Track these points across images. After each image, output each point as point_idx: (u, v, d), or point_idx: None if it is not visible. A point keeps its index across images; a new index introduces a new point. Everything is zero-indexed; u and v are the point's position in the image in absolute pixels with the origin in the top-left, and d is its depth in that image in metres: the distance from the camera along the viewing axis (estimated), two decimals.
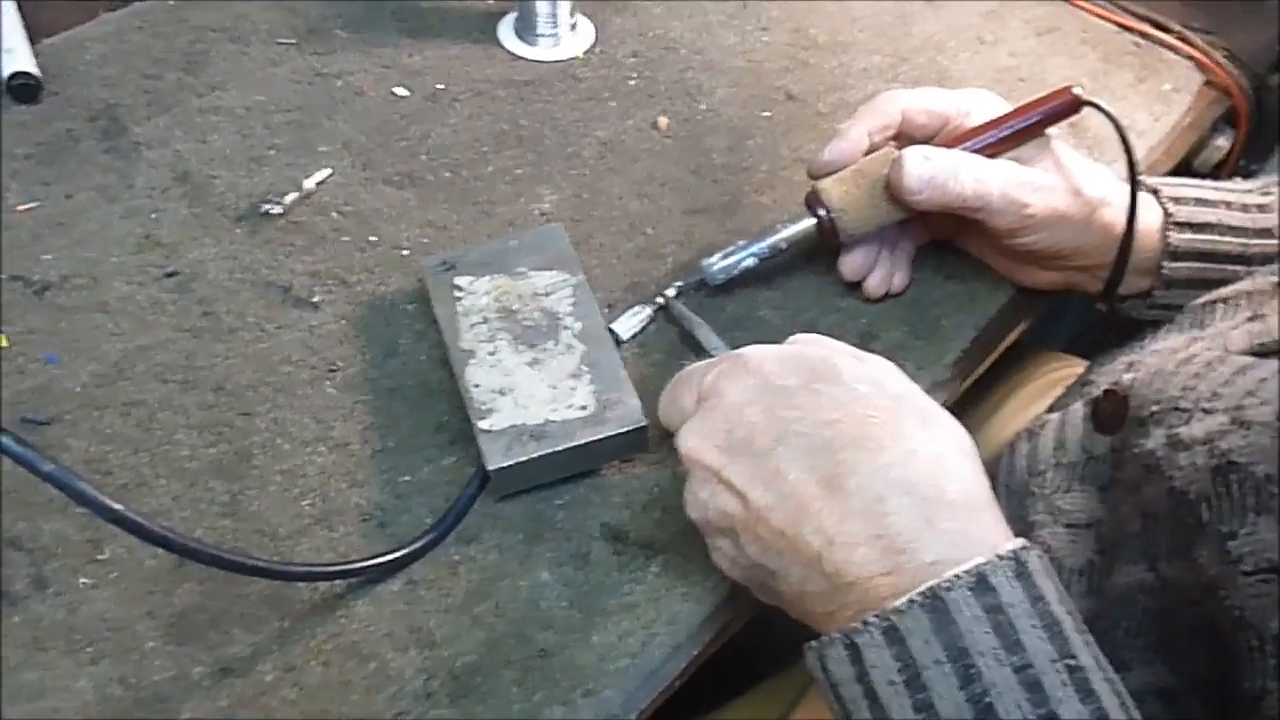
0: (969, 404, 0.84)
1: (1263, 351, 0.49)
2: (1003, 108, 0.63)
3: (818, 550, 0.42)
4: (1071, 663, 0.38)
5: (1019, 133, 0.61)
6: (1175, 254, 0.62)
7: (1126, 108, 0.80)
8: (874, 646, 0.39)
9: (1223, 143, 0.87)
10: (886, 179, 0.60)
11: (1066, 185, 0.61)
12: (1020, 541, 0.42)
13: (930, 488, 0.42)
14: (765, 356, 0.47)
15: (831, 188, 0.62)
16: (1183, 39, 0.86)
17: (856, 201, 0.61)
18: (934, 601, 0.39)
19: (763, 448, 0.44)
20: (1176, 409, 0.46)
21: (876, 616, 0.39)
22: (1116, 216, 0.61)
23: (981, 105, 0.63)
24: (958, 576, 0.39)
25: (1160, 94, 0.82)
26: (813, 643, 0.42)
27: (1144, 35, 0.86)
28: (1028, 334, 0.77)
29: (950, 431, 0.45)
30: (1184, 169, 0.85)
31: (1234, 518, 0.40)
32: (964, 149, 0.61)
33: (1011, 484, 0.61)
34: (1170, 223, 0.62)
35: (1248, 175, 0.96)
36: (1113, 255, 0.62)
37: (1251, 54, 0.87)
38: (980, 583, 0.39)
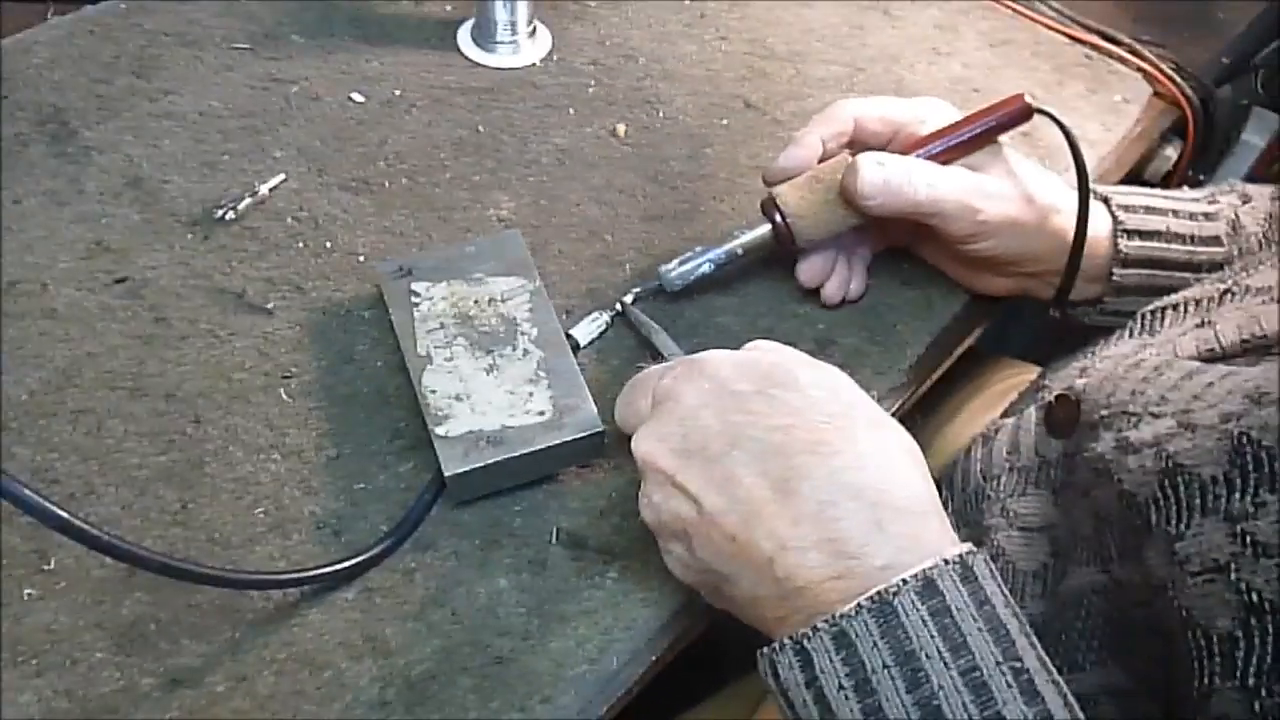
0: (925, 410, 0.85)
1: (1210, 357, 0.50)
2: (956, 116, 0.64)
3: (769, 555, 0.42)
4: (1016, 665, 0.38)
5: (972, 140, 0.62)
6: (1125, 261, 0.63)
7: (1078, 118, 0.81)
8: (823, 651, 0.40)
9: (1171, 153, 0.89)
10: (841, 185, 0.61)
11: (1019, 192, 0.61)
12: (966, 546, 0.42)
13: (880, 493, 0.42)
14: (721, 361, 0.48)
15: (788, 193, 0.62)
16: (1133, 51, 0.88)
17: (812, 207, 0.62)
18: (882, 606, 0.39)
19: (716, 452, 0.44)
20: (1126, 413, 0.47)
21: (825, 621, 0.40)
22: (1067, 223, 0.62)
23: (935, 113, 0.64)
24: (904, 581, 0.39)
25: (1111, 105, 0.84)
26: (763, 649, 0.42)
27: (1095, 48, 0.88)
28: (983, 341, 0.78)
29: (898, 438, 0.46)
30: (1134, 179, 0.87)
31: (1180, 519, 0.40)
32: (918, 155, 0.62)
33: (966, 487, 0.61)
34: (1120, 230, 0.63)
35: (1196, 185, 0.98)
36: (1064, 261, 0.63)
37: (1200, 67, 0.89)
38: (927, 587, 0.39)
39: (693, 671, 0.61)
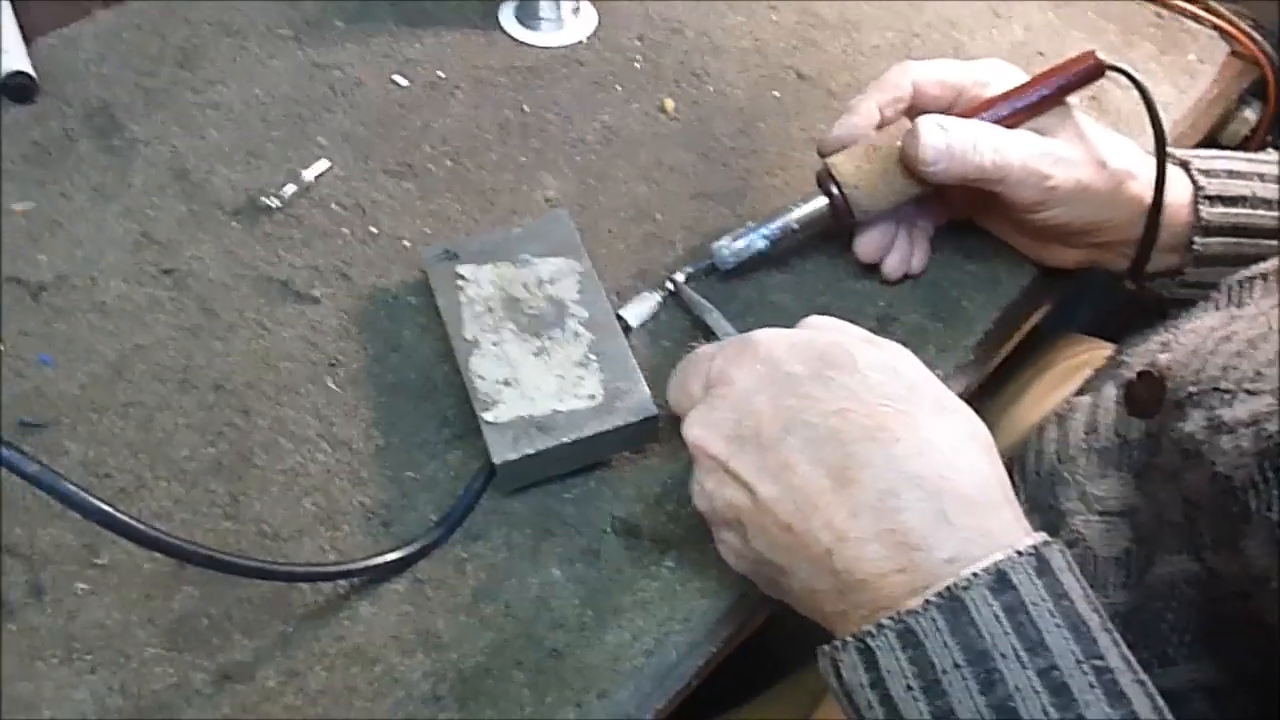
0: (990, 389, 0.81)
1: None
2: (1020, 78, 0.61)
3: (827, 546, 0.40)
4: (1099, 663, 0.36)
5: (1040, 102, 0.59)
6: (1207, 229, 0.59)
7: (1150, 81, 0.77)
8: (888, 650, 0.37)
9: (1250, 115, 0.84)
10: (900, 152, 0.58)
11: (1090, 157, 0.58)
12: (1041, 536, 0.39)
13: (946, 481, 0.40)
14: (775, 342, 0.45)
15: (843, 163, 0.60)
16: (1206, 8, 0.83)
17: (870, 176, 0.59)
18: (951, 601, 0.37)
19: (770, 438, 0.42)
20: (1218, 390, 0.43)
21: (890, 619, 0.37)
22: (1143, 190, 0.58)
23: (997, 76, 0.61)
24: (975, 575, 0.37)
25: (1184, 66, 0.79)
26: (824, 646, 0.40)
27: (1165, 5, 0.84)
28: (1048, 316, 0.75)
29: (967, 422, 0.43)
30: (1210, 143, 0.82)
31: None
32: (982, 119, 0.58)
33: (1040, 470, 0.58)
34: (1201, 196, 0.59)
35: (1277, 149, 0.93)
36: (1139, 231, 0.59)
37: (1277, 21, 0.84)
38: (1000, 580, 0.37)
39: (748, 663, 0.59)
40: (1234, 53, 0.82)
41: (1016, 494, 0.60)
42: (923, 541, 0.38)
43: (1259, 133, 0.86)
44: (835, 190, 0.60)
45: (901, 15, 0.82)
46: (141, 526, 0.39)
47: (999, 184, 0.57)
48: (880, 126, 0.61)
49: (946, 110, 0.61)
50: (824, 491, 0.40)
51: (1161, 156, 0.57)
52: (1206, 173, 0.60)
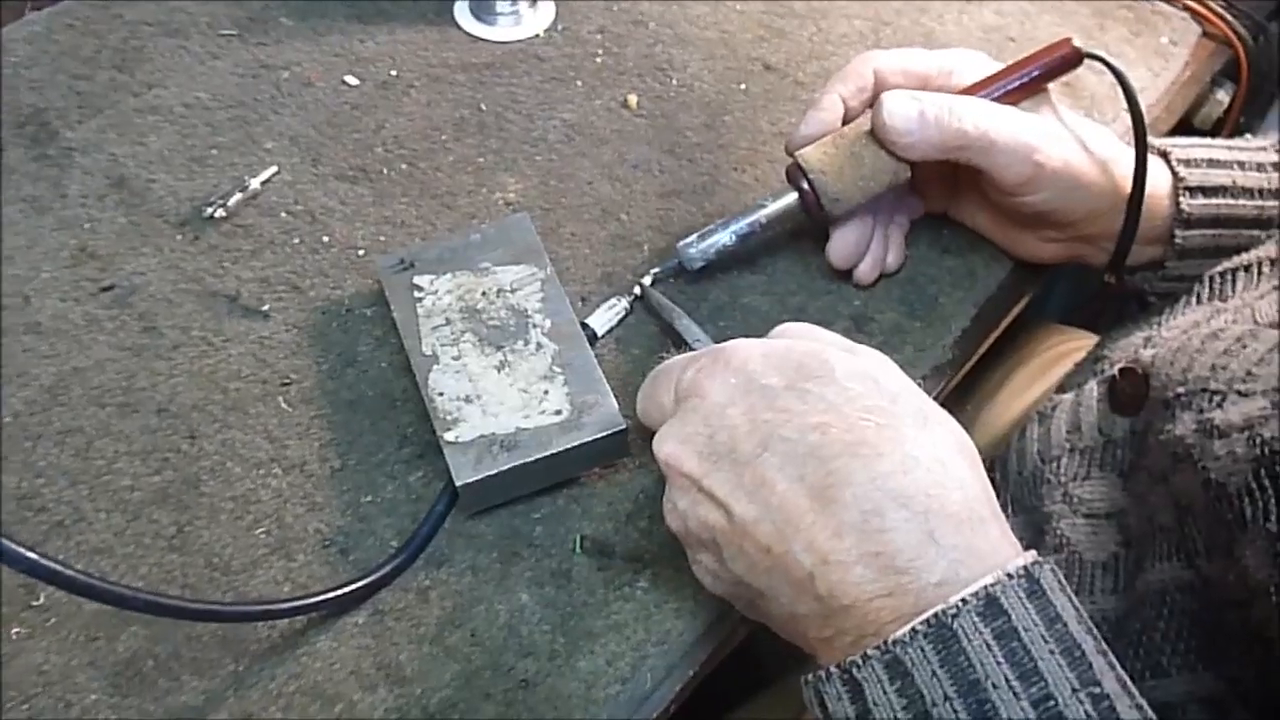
0: (969, 383, 0.80)
1: None
2: (988, 65, 0.59)
3: (809, 570, 0.38)
4: (1095, 690, 0.34)
5: (1017, 89, 0.57)
6: (1189, 221, 0.57)
7: (1122, 64, 0.75)
8: (875, 682, 0.35)
9: (1223, 96, 0.83)
10: (871, 126, 0.56)
11: (1074, 137, 0.56)
12: (1031, 555, 0.37)
13: (932, 500, 0.37)
14: (749, 352, 0.43)
15: (811, 155, 0.57)
16: None
17: (837, 162, 0.57)
18: (940, 630, 0.35)
19: (746, 454, 0.40)
20: (1207, 390, 0.42)
21: (877, 649, 0.35)
22: (1124, 178, 0.57)
23: (966, 64, 0.59)
24: (964, 601, 0.35)
25: (1157, 48, 0.78)
26: (808, 676, 0.38)
27: None
28: (1025, 306, 0.73)
29: (950, 433, 0.41)
30: (1184, 126, 0.81)
31: None
32: None
33: (1023, 470, 0.57)
34: (1182, 188, 0.57)
35: (1250, 130, 0.92)
36: (1119, 224, 0.58)
37: (1250, 1, 0.82)
38: (990, 605, 0.35)
39: (733, 670, 0.56)
40: (1206, 34, 0.80)
41: (999, 494, 0.59)
42: (909, 564, 0.36)
43: (1232, 114, 0.85)
44: (804, 182, 0.57)
45: (870, 3, 0.79)
46: (73, 574, 0.36)
47: (984, 156, 0.54)
48: (846, 119, 0.59)
49: None
50: (805, 511, 0.38)
51: (1142, 145, 0.55)
52: (1187, 162, 0.58)
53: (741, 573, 0.41)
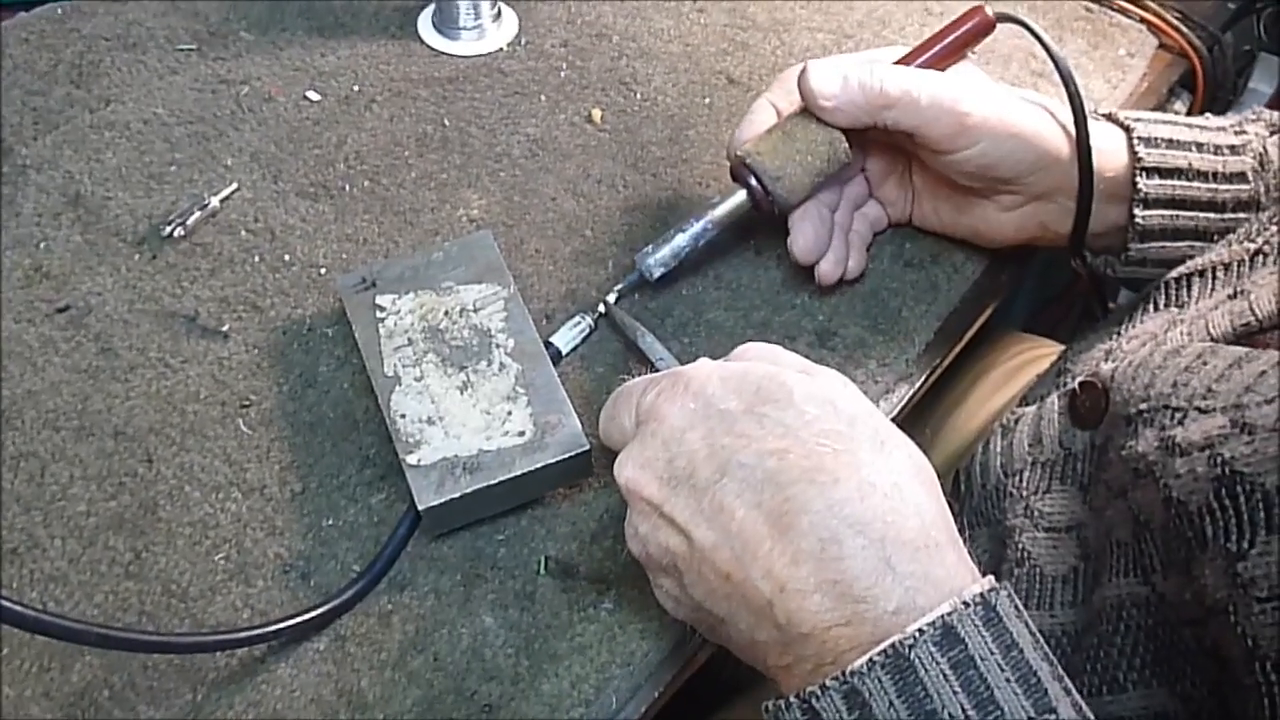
0: (932, 394, 0.80)
1: (1246, 332, 0.46)
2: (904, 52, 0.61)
3: (768, 597, 0.38)
4: (1050, 718, 0.34)
5: (938, 56, 0.59)
6: (1146, 201, 0.58)
7: (1081, 76, 0.76)
8: (834, 712, 0.35)
9: (1180, 107, 0.84)
10: (802, 112, 0.58)
11: (1004, 93, 0.57)
12: (988, 582, 0.38)
13: (889, 527, 0.38)
14: (707, 376, 0.43)
15: (748, 144, 0.58)
16: (1134, 1, 0.83)
17: (772, 142, 0.58)
18: (897, 660, 0.35)
19: (705, 479, 0.40)
20: (1169, 407, 0.42)
21: (836, 679, 0.35)
22: (1065, 125, 0.58)
23: (889, 55, 0.60)
24: (921, 631, 0.35)
25: (1115, 60, 0.79)
26: (768, 704, 0.38)
27: (1094, 0, 0.83)
28: (989, 316, 0.74)
29: (907, 457, 0.41)
30: None
31: (1242, 535, 0.36)
32: None
33: (986, 483, 0.57)
34: (1139, 168, 0.58)
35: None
36: (1072, 176, 0.58)
37: (1204, 14, 0.84)
38: (947, 635, 0.35)
39: (707, 676, 0.56)
40: (1162, 46, 0.82)
41: (963, 507, 0.60)
42: (866, 592, 0.36)
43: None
44: (748, 176, 0.58)
45: (833, 15, 0.80)
46: (22, 610, 0.35)
47: (910, 114, 0.55)
48: None
49: None
50: (763, 538, 0.38)
51: (1077, 104, 0.56)
52: (1147, 141, 0.58)
53: (702, 598, 0.41)
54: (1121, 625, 0.43)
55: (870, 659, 0.35)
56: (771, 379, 0.42)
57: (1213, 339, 0.48)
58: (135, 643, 0.39)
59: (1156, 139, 0.58)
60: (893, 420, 0.61)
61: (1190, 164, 0.58)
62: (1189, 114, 0.85)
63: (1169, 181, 0.58)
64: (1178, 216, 0.59)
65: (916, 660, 0.34)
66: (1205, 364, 0.42)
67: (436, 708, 0.46)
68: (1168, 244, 0.59)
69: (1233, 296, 0.51)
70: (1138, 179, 0.58)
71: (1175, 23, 0.82)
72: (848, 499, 0.38)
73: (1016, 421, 0.57)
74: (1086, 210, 0.58)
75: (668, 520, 0.41)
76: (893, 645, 0.35)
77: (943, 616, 0.35)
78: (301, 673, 0.46)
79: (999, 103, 0.56)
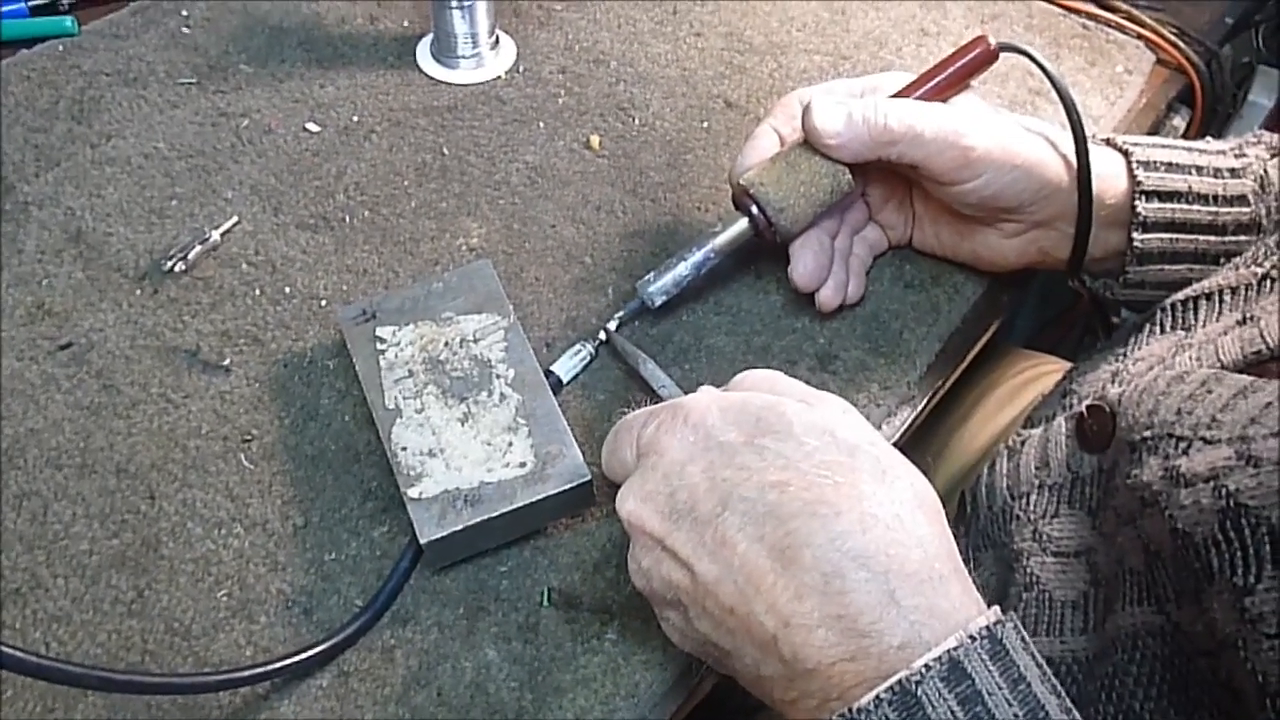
0: (936, 413, 0.80)
1: (1257, 360, 0.45)
2: (908, 78, 0.60)
3: (772, 632, 0.38)
4: None
5: (942, 87, 0.58)
6: (1145, 225, 0.58)
7: (1078, 93, 0.76)
8: None
9: (1179, 122, 0.84)
10: (805, 143, 0.57)
11: (1006, 124, 0.57)
12: (994, 613, 0.37)
13: (891, 559, 0.37)
14: (707, 407, 0.43)
15: (750, 173, 0.58)
16: (1130, 18, 0.83)
17: (775, 173, 0.57)
18: (904, 697, 0.34)
19: (706, 513, 0.40)
20: (1173, 435, 0.42)
21: (842, 716, 0.35)
22: (1067, 155, 0.57)
23: (890, 81, 0.60)
24: (928, 666, 0.35)
25: (1113, 77, 0.79)
26: None
27: (1091, 17, 0.83)
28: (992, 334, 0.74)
29: (909, 486, 0.41)
30: None
31: (1249, 570, 0.35)
32: None
33: (993, 505, 0.57)
34: (1138, 191, 0.58)
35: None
36: (1073, 202, 0.58)
37: (1201, 28, 0.84)
38: (954, 670, 0.35)
39: (706, 711, 0.56)
40: (1160, 61, 0.82)
41: (969, 529, 0.59)
42: (871, 627, 0.36)
43: (1187, 140, 0.86)
44: (750, 204, 0.58)
45: (829, 37, 0.80)
46: (22, 656, 0.35)
47: (914, 149, 0.55)
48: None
49: None
50: (766, 573, 0.38)
51: (1079, 131, 0.56)
52: (1146, 164, 0.58)
53: (707, 632, 0.41)
54: (1137, 655, 0.43)
55: (877, 696, 0.34)
56: (771, 409, 0.41)
57: (1222, 365, 0.48)
58: (137, 685, 0.39)
59: (1155, 162, 0.58)
60: (896, 442, 0.61)
61: (1190, 187, 0.58)
62: (1188, 129, 0.85)
63: (1168, 205, 0.58)
64: (1177, 240, 0.58)
65: (924, 696, 0.34)
66: (1210, 392, 0.42)
67: None
68: (1166, 267, 0.58)
69: (1242, 322, 0.50)
70: (1136, 202, 0.57)
71: (1172, 38, 0.82)
72: (850, 532, 0.37)
73: (1023, 443, 0.57)
74: (1086, 235, 0.58)
75: (670, 554, 0.41)
76: (899, 682, 0.34)
77: (949, 651, 0.35)
78: (304, 710, 0.46)
79: (1002, 134, 0.56)
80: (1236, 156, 0.60)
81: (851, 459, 0.40)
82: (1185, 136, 0.86)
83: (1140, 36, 0.82)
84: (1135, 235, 0.58)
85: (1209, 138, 0.63)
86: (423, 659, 0.48)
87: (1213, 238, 0.58)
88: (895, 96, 0.59)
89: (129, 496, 0.52)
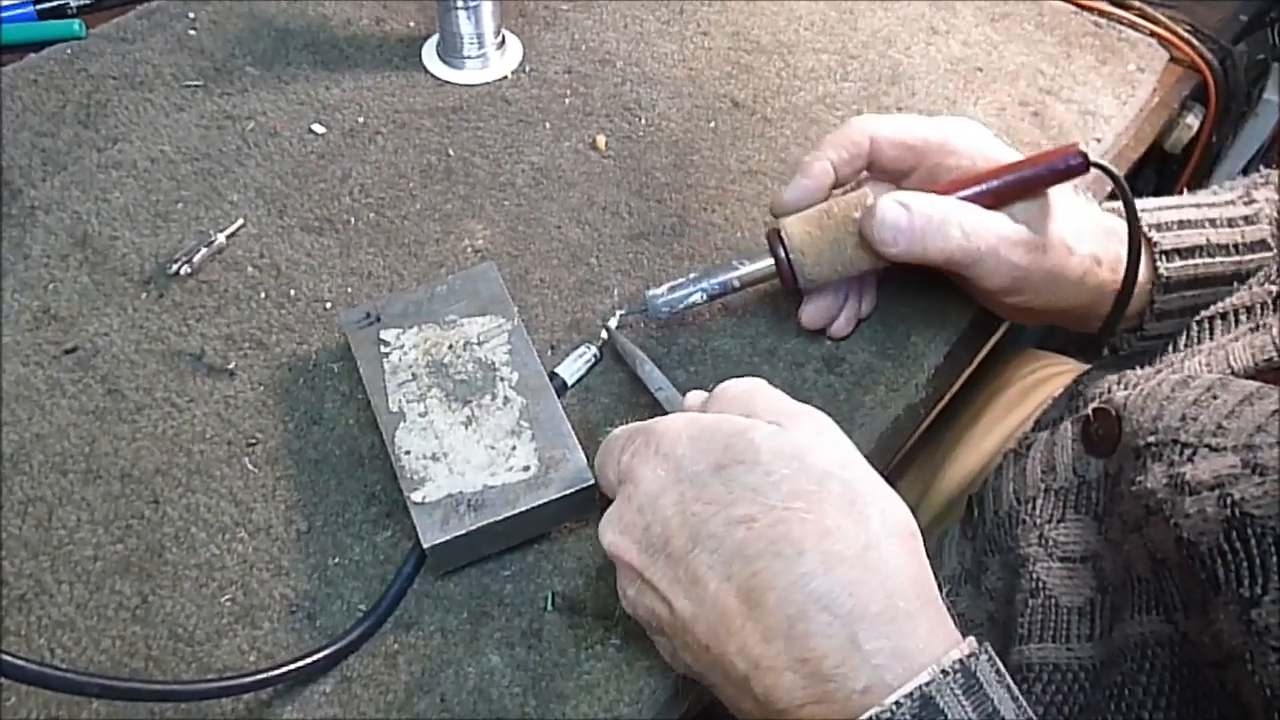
0: (946, 413, 0.79)
1: (1269, 367, 0.45)
2: (984, 135, 0.57)
3: (744, 672, 0.38)
4: None
5: (1015, 188, 0.54)
6: (1168, 285, 0.56)
7: (1089, 92, 0.76)
8: None
9: (1192, 121, 0.83)
10: (857, 224, 0.54)
11: (1060, 242, 0.54)
12: (969, 645, 0.37)
13: (855, 600, 0.37)
14: (678, 435, 0.42)
15: (794, 227, 0.56)
16: (1143, 15, 0.82)
17: (819, 245, 0.55)
18: None
19: (679, 549, 0.40)
20: (1177, 442, 0.41)
21: None
22: (1108, 275, 0.56)
23: (963, 137, 0.56)
24: (898, 703, 0.34)
25: (1124, 75, 0.78)
26: None
27: (1103, 14, 0.82)
28: (1002, 334, 0.73)
29: (879, 513, 0.40)
30: (1154, 151, 0.81)
31: (1254, 581, 0.35)
32: (956, 198, 0.54)
33: (999, 510, 0.56)
34: (1158, 251, 0.56)
35: (1220, 153, 0.92)
36: (1103, 309, 0.57)
37: (1215, 25, 0.83)
38: (925, 706, 0.34)
39: (710, 717, 0.56)
40: (1173, 59, 0.81)
41: (975, 534, 0.59)
42: (835, 671, 0.36)
43: (1201, 138, 0.85)
44: (783, 254, 0.56)
45: (836, 35, 0.79)
46: (24, 665, 0.35)
47: (967, 269, 0.54)
48: (837, 185, 0.58)
49: (905, 171, 0.57)
50: (734, 614, 0.38)
51: (1134, 243, 0.54)
52: (1158, 227, 0.57)
53: (690, 663, 0.42)
54: (1146, 664, 0.42)
55: None
56: (739, 436, 0.41)
57: (1232, 371, 0.47)
58: (139, 692, 0.39)
59: (1167, 223, 0.57)
60: (901, 445, 0.60)
61: (1209, 240, 0.56)
62: (1201, 126, 0.84)
63: (1190, 260, 0.56)
64: (1201, 296, 0.57)
65: None
66: (1215, 398, 0.41)
67: None
68: (1186, 320, 0.57)
69: (1255, 330, 0.49)
70: (1157, 263, 0.56)
71: (1186, 35, 0.81)
72: (812, 573, 0.37)
73: (1030, 447, 0.57)
74: (1111, 331, 0.57)
75: (650, 587, 0.41)
76: (871, 718, 0.34)
77: (921, 687, 0.35)
78: (308, 716, 0.46)
79: (1056, 257, 0.54)
80: (1246, 203, 0.59)
81: (820, 487, 0.39)
82: (1199, 135, 0.85)
83: (1153, 34, 0.81)
84: (1157, 296, 0.57)
85: (1215, 188, 0.61)
86: (426, 664, 0.48)
87: (1236, 287, 0.56)
88: (967, 183, 0.55)
89: (133, 501, 0.52)
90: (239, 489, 0.53)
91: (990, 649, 0.36)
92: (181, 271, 0.61)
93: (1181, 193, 0.61)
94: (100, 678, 0.38)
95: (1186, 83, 0.80)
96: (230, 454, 0.54)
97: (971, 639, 0.37)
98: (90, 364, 0.57)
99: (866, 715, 0.34)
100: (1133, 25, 0.81)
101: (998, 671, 0.36)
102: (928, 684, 0.35)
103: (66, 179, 0.67)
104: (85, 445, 0.54)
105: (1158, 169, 0.95)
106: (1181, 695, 0.40)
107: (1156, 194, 0.61)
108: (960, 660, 0.36)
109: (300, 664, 0.45)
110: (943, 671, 0.35)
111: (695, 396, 0.49)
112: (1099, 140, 0.72)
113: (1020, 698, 0.36)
